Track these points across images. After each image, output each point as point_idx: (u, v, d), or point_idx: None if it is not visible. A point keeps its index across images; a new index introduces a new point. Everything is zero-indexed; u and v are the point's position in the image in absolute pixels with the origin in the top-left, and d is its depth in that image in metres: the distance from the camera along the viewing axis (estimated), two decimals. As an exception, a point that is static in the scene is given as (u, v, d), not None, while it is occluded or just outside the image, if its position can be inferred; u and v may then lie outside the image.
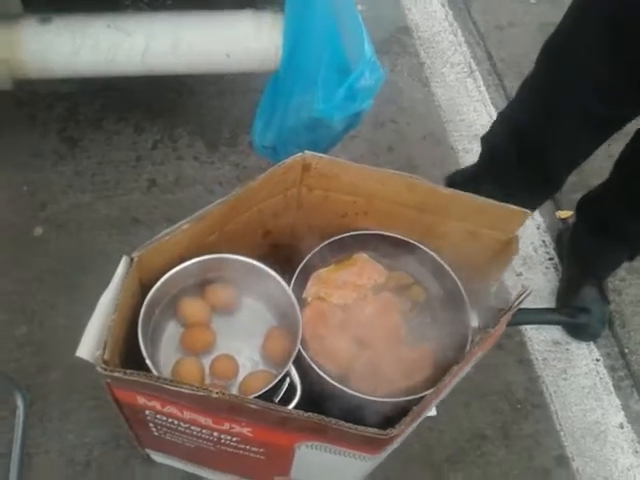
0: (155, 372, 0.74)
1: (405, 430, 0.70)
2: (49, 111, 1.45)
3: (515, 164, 1.14)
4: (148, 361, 0.74)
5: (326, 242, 0.94)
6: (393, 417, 0.75)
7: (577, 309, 0.89)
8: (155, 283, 0.80)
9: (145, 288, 0.81)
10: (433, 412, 1.10)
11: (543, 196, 1.26)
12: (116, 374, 0.66)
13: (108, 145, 1.41)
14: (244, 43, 1.01)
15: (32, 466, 1.02)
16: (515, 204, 1.13)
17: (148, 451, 0.99)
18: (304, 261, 0.92)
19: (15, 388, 1.05)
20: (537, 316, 0.91)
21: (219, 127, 1.48)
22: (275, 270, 0.87)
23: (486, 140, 1.24)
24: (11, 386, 1.05)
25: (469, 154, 1.53)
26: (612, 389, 1.23)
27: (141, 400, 0.73)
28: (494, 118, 1.28)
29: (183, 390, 0.65)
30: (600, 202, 1.21)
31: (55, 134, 1.42)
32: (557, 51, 1.02)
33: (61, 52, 0.97)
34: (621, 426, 1.18)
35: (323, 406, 0.81)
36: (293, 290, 0.87)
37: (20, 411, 1.05)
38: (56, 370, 1.11)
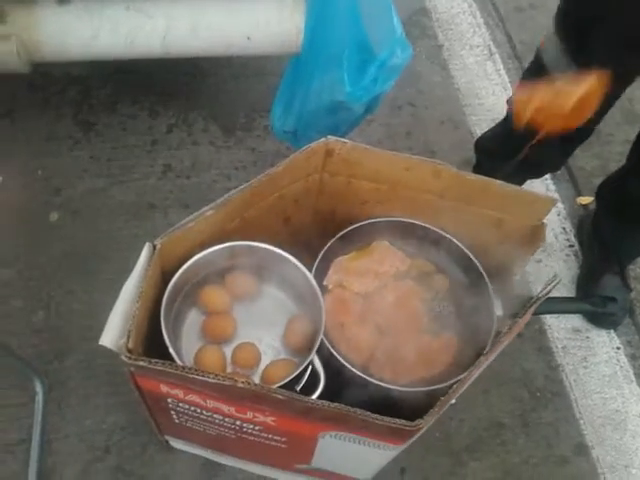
0: (178, 361, 0.73)
1: (431, 421, 0.69)
2: (62, 95, 1.43)
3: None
4: (171, 350, 0.73)
5: (348, 229, 0.92)
6: (412, 405, 0.74)
7: (604, 298, 0.87)
8: (176, 270, 0.79)
9: (166, 275, 0.80)
10: (452, 400, 1.09)
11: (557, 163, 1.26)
12: (141, 363, 0.65)
13: (123, 129, 1.40)
14: (265, 25, 0.98)
15: (52, 451, 1.02)
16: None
17: (167, 437, 0.99)
18: (325, 248, 0.91)
19: (34, 374, 1.05)
20: (563, 305, 0.90)
21: (234, 111, 1.46)
22: (296, 257, 0.85)
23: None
24: (30, 372, 1.05)
25: (488, 139, 1.50)
26: (633, 377, 1.21)
27: (164, 388, 0.72)
28: (514, 102, 1.25)
29: (208, 380, 0.65)
30: (619, 186, 1.19)
31: (69, 118, 1.40)
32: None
33: (79, 35, 0.95)
34: (642, 415, 1.17)
35: (344, 394, 0.81)
36: (314, 277, 0.86)
37: (39, 397, 1.05)
38: (73, 356, 1.11)
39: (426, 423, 0.67)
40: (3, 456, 1.01)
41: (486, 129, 1.38)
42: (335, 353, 0.82)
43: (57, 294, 1.17)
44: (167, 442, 1.01)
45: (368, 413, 0.66)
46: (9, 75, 1.09)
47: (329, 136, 0.84)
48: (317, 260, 0.89)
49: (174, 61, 1.17)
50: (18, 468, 1.00)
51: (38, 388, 1.05)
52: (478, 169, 1.33)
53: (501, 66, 1.66)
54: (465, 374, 0.70)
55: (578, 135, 1.14)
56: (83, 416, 1.06)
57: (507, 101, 1.27)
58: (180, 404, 0.76)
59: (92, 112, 1.41)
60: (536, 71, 1.17)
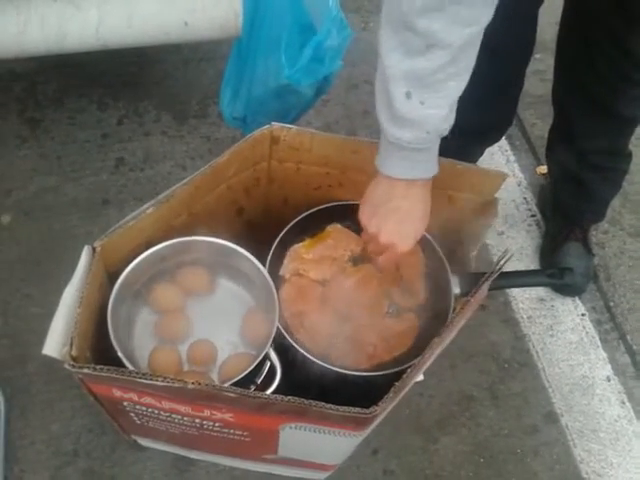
0: (128, 364, 0.72)
1: (388, 407, 0.69)
2: (6, 92, 1.38)
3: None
4: (120, 354, 0.71)
5: (300, 216, 0.91)
6: (378, 389, 0.74)
7: (561, 269, 0.87)
8: (122, 271, 0.77)
9: (113, 277, 0.77)
10: (420, 377, 1.09)
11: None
12: (85, 370, 0.64)
13: (71, 124, 1.35)
14: (202, 10, 0.95)
15: (18, 459, 1.00)
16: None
17: (134, 437, 0.98)
18: (279, 237, 0.89)
19: (-7, 382, 1.03)
20: (520, 279, 0.90)
21: (186, 98, 1.42)
22: (251, 248, 0.84)
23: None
24: (-11, 380, 1.03)
25: (447, 112, 1.48)
26: (599, 343, 1.23)
27: (117, 393, 0.71)
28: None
29: (157, 383, 0.63)
30: (559, 141, 1.19)
31: (15, 116, 1.35)
32: None
33: (6, 30, 0.91)
34: (608, 379, 1.19)
35: (308, 383, 0.80)
36: (270, 267, 0.85)
37: (1, 405, 1.02)
38: (34, 361, 1.08)
39: (382, 410, 0.66)
40: (-33, 468, 0.99)
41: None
42: (293, 343, 0.81)
43: (14, 299, 1.14)
44: (135, 441, 1.00)
45: (322, 404, 0.65)
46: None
47: (273, 122, 0.82)
48: (272, 249, 0.88)
49: (118, 51, 1.13)
50: (-17, 479, 0.98)
51: (-1, 396, 1.03)
52: None
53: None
54: (419, 358, 0.70)
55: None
56: (48, 421, 1.04)
57: None
58: (137, 406, 0.75)
59: (38, 108, 1.37)
60: None
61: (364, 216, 0.77)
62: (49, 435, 1.03)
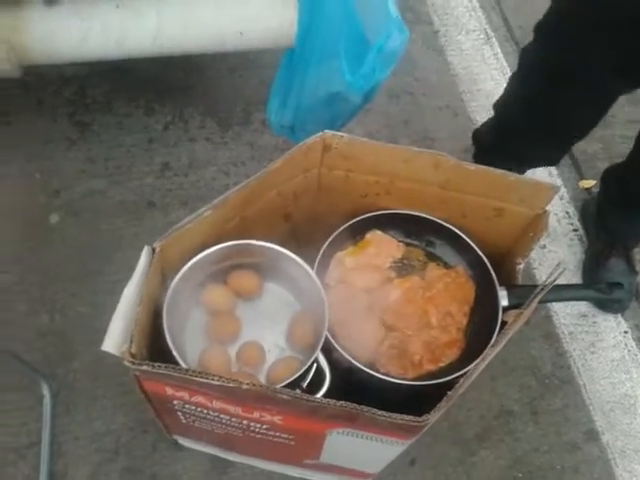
0: (182, 363, 0.73)
1: (438, 416, 0.69)
2: (57, 96, 1.42)
3: (523, 129, 1.14)
4: (175, 353, 0.72)
5: (348, 224, 0.92)
6: (420, 398, 0.74)
7: (609, 284, 0.86)
8: (177, 272, 0.78)
9: (167, 277, 0.79)
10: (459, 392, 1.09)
11: (554, 158, 1.26)
12: (144, 367, 0.65)
13: (119, 128, 1.38)
14: (257, 20, 0.97)
15: (62, 454, 1.02)
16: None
17: (176, 437, 0.99)
18: (325, 244, 0.90)
19: (41, 378, 1.05)
20: (568, 293, 0.89)
21: (231, 106, 1.44)
22: (297, 254, 0.85)
23: (497, 105, 1.24)
24: (36, 376, 1.05)
25: (488, 125, 1.48)
26: (641, 361, 1.21)
27: (169, 391, 0.72)
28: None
29: (212, 382, 0.64)
30: (625, 172, 1.18)
31: (65, 119, 1.39)
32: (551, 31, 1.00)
33: (69, 36, 0.94)
34: (651, 398, 1.17)
35: (351, 390, 0.80)
36: (316, 274, 0.86)
37: (47, 400, 1.05)
38: (80, 358, 1.10)
39: (433, 418, 0.66)
40: (14, 460, 1.01)
41: (485, 116, 1.36)
42: (340, 349, 0.82)
43: (60, 297, 1.17)
44: (176, 441, 1.01)
45: (374, 410, 0.65)
46: (2, 79, 1.08)
47: (326, 130, 0.83)
48: (318, 256, 0.89)
49: (168, 57, 1.16)
50: (29, 472, 1.00)
51: (45, 391, 1.05)
52: (477, 159, 1.32)
53: (499, 50, 1.64)
54: (471, 367, 0.70)
55: (574, 135, 1.14)
56: (92, 418, 1.06)
57: (493, 105, 1.26)
58: (186, 406, 0.76)
59: (88, 112, 1.40)
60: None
61: None
62: (92, 431, 1.05)
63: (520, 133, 1.16)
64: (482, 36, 1.67)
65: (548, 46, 1.02)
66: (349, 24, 0.90)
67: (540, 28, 1.03)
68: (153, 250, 0.72)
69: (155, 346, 0.76)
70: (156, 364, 0.65)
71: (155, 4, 0.95)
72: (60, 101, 1.42)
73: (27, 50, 0.96)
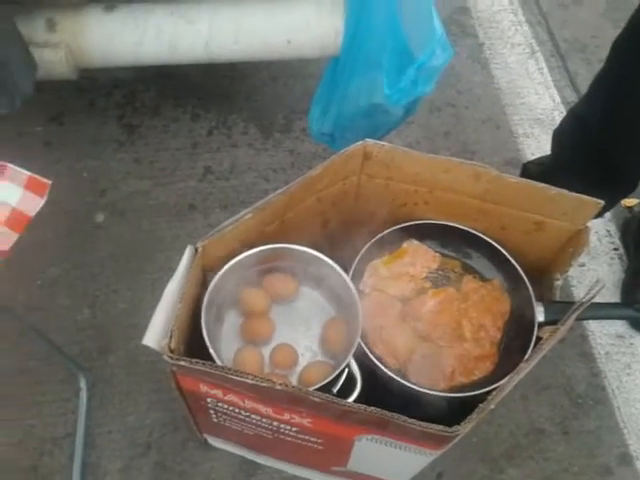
0: (218, 361, 0.75)
1: (469, 427, 0.69)
2: (108, 98, 1.47)
3: (584, 163, 1.10)
4: (211, 350, 0.74)
5: (385, 232, 0.92)
6: (449, 411, 0.74)
7: (650, 304, 0.85)
8: (216, 271, 0.80)
9: (206, 276, 0.81)
10: (491, 406, 1.08)
11: (617, 195, 1.19)
12: (182, 363, 0.67)
13: (165, 132, 1.42)
14: (305, 29, 0.99)
15: (96, 446, 1.05)
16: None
17: (206, 436, 1.01)
18: (362, 251, 0.91)
19: (78, 370, 1.08)
20: (606, 311, 0.87)
21: (273, 113, 1.47)
22: (334, 260, 0.86)
23: (556, 137, 1.20)
24: (74, 368, 1.08)
25: (530, 139, 1.47)
26: (680, 386, 1.17)
27: (204, 388, 0.74)
28: (556, 101, 1.22)
29: (246, 380, 0.66)
30: None
31: (114, 121, 1.44)
32: (627, 48, 0.96)
33: (125, 41, 0.98)
34: (689, 425, 1.13)
35: (380, 397, 0.80)
36: (352, 280, 0.86)
37: (83, 393, 1.08)
38: (117, 353, 1.13)
39: (464, 430, 0.66)
40: (51, 449, 1.04)
41: (528, 129, 1.35)
42: (372, 356, 0.82)
43: (102, 293, 1.20)
44: (206, 440, 1.03)
45: (405, 418, 0.65)
46: (57, 80, 1.13)
47: (367, 139, 0.84)
48: (354, 263, 0.90)
49: (215, 64, 1.19)
50: (65, 461, 1.03)
51: (82, 384, 1.08)
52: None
53: (544, 64, 1.63)
54: (505, 381, 0.69)
55: None
56: (125, 412, 1.08)
57: (553, 132, 1.21)
58: (219, 404, 0.77)
59: (136, 115, 1.45)
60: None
61: None
62: (125, 426, 1.07)
63: (580, 166, 1.13)
64: (527, 50, 1.66)
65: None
66: (393, 37, 0.91)
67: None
68: (196, 250, 0.74)
69: (192, 344, 0.78)
70: (194, 360, 0.67)
71: (207, 12, 0.98)
72: (110, 104, 1.47)
73: (85, 54, 1.00)
